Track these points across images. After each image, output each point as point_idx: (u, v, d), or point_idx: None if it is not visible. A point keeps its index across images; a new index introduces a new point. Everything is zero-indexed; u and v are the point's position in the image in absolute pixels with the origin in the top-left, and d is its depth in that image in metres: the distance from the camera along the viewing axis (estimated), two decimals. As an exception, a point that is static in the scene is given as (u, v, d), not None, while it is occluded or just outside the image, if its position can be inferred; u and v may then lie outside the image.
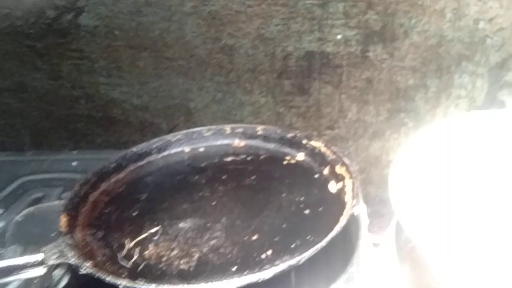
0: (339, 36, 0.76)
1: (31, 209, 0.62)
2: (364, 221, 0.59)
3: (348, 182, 0.56)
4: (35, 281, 0.50)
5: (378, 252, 0.67)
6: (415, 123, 0.81)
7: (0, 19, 0.79)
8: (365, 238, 0.56)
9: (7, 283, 0.51)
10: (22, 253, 0.44)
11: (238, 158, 0.65)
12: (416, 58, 0.76)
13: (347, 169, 0.57)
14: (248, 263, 0.47)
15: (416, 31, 0.74)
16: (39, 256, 0.44)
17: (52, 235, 0.52)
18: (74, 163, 0.75)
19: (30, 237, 0.56)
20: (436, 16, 0.73)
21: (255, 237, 0.50)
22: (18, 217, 0.61)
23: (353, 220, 0.57)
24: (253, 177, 0.61)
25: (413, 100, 0.79)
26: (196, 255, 0.48)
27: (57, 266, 0.50)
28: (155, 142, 0.68)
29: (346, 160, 0.58)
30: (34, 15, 0.79)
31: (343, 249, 0.54)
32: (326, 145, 0.63)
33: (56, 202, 0.65)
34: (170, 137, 0.69)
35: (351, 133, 0.84)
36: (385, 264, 0.61)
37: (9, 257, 0.43)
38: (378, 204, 0.85)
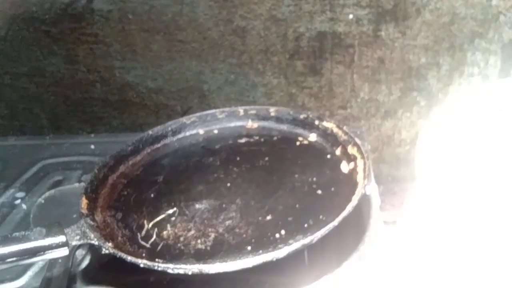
0: (350, 16, 0.76)
1: (52, 191, 0.64)
2: (375, 201, 0.61)
3: (359, 162, 0.57)
4: (59, 261, 0.52)
5: (391, 230, 0.68)
6: (427, 101, 0.81)
7: (16, 5, 0.81)
8: (376, 217, 0.58)
9: (32, 263, 0.53)
10: (46, 235, 0.46)
11: (251, 140, 0.67)
12: (429, 36, 0.76)
13: (359, 149, 0.58)
14: (263, 242, 0.48)
15: (428, 9, 0.74)
16: (62, 238, 0.46)
17: (74, 216, 0.54)
18: (92, 146, 0.77)
19: (52, 219, 0.57)
20: (449, -7, 0.72)
21: (269, 217, 0.52)
22: (40, 199, 0.63)
23: (365, 200, 0.59)
24: (266, 158, 0.62)
25: (425, 79, 0.79)
26: (212, 235, 0.50)
27: (79, 246, 0.53)
28: (170, 125, 0.69)
29: (358, 141, 0.59)
30: (49, 1, 0.80)
31: (355, 228, 0.55)
32: (338, 126, 0.63)
33: (76, 185, 0.67)
34: (185, 119, 0.70)
35: (363, 112, 0.84)
36: (397, 242, 0.62)
37: (34, 239, 0.45)
38: (391, 183, 0.86)
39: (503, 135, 0.59)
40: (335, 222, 0.47)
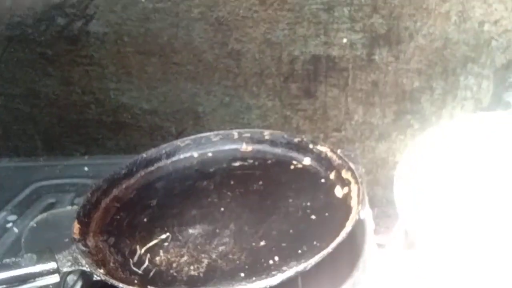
0: (344, 40, 0.76)
1: (44, 215, 0.64)
2: (370, 225, 0.60)
3: (353, 187, 0.57)
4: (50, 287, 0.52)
5: (384, 253, 0.68)
6: (421, 124, 0.81)
7: (12, 27, 0.81)
8: (371, 242, 0.57)
9: (23, 290, 0.53)
10: (37, 261, 0.45)
11: (245, 163, 0.67)
12: (422, 60, 0.77)
13: (353, 174, 0.58)
14: (256, 269, 0.48)
15: (422, 34, 0.75)
16: (53, 264, 0.46)
17: (66, 240, 0.53)
18: (85, 168, 0.77)
19: (44, 243, 0.57)
20: (441, 19, 0.73)
21: (262, 243, 0.52)
22: (32, 223, 0.63)
23: (359, 225, 0.58)
24: (260, 182, 0.62)
25: (419, 102, 0.80)
26: (205, 261, 0.50)
27: (70, 272, 0.52)
28: (165, 148, 0.69)
29: (352, 165, 0.59)
30: (45, 23, 0.80)
31: (349, 253, 0.55)
32: (332, 150, 0.63)
33: (69, 208, 0.67)
34: (179, 142, 0.70)
35: (357, 135, 0.84)
36: (391, 265, 0.62)
37: (25, 265, 0.45)
38: (385, 205, 0.86)
39: (490, 164, 0.60)
40: (329, 249, 0.47)
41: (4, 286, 0.44)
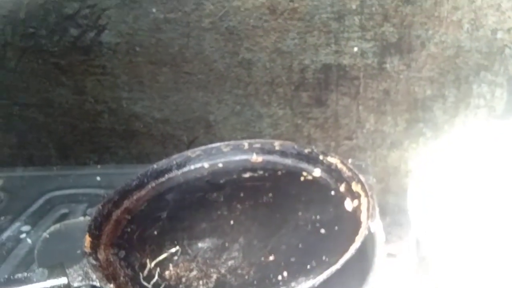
0: (355, 49, 0.76)
1: (57, 225, 0.65)
2: (380, 237, 0.60)
3: (363, 200, 0.57)
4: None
5: (396, 263, 0.68)
6: (433, 133, 0.80)
7: (26, 38, 0.82)
8: (381, 255, 0.57)
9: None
10: (48, 276, 0.46)
11: (256, 174, 0.67)
12: (434, 68, 0.76)
13: (363, 187, 0.58)
14: (265, 285, 0.48)
15: (433, 42, 0.74)
16: (64, 279, 0.46)
17: (78, 252, 0.54)
18: (98, 178, 0.78)
19: (57, 255, 0.58)
20: (453, 27, 0.72)
21: (271, 258, 0.52)
22: (45, 234, 0.63)
23: (369, 238, 0.58)
24: (270, 195, 0.62)
25: (431, 110, 0.79)
26: (214, 276, 0.50)
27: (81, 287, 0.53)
28: (175, 159, 0.70)
29: (362, 178, 0.59)
30: (58, 34, 0.81)
31: (359, 267, 0.54)
32: (342, 161, 0.63)
33: (82, 218, 0.68)
34: (189, 153, 0.70)
35: (369, 143, 0.84)
36: (402, 275, 0.61)
37: (36, 280, 0.45)
38: (397, 214, 0.85)
39: (504, 173, 0.59)
40: (337, 265, 0.46)
41: (16, 301, 0.45)
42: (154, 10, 0.77)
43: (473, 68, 0.75)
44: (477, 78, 0.76)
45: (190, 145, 0.87)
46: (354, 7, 0.73)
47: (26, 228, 0.68)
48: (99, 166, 0.84)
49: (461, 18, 0.72)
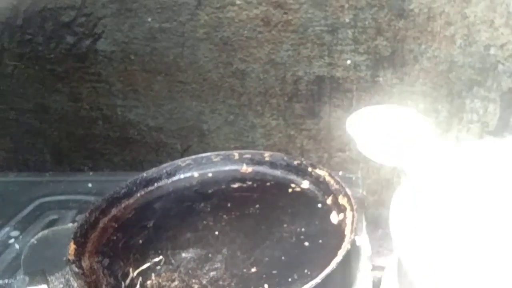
0: (348, 61, 0.76)
1: (45, 232, 0.64)
2: (366, 251, 0.60)
3: (349, 214, 0.57)
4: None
5: (381, 278, 0.67)
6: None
7: (23, 44, 0.83)
8: (365, 269, 0.57)
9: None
10: (29, 284, 0.46)
11: (244, 185, 0.67)
12: (427, 83, 0.76)
13: (349, 201, 0.58)
14: (245, 296, 0.48)
15: (426, 57, 0.74)
16: (44, 287, 0.46)
17: (64, 258, 0.54)
18: (89, 185, 0.78)
19: (43, 261, 0.58)
20: (446, 42, 0.73)
21: (253, 270, 0.51)
22: (33, 240, 0.63)
23: (354, 251, 0.58)
24: (257, 206, 0.62)
25: (424, 125, 0.79)
26: (196, 287, 0.50)
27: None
28: (165, 167, 0.70)
29: (348, 191, 0.59)
30: (55, 41, 0.82)
31: (342, 281, 0.54)
32: (330, 174, 0.63)
33: (70, 225, 0.67)
34: (180, 162, 0.70)
35: (362, 155, 0.83)
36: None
37: (17, 287, 0.46)
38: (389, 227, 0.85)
39: (494, 192, 0.58)
40: (318, 279, 0.46)
41: (-4, 308, 0.45)
42: (149, 19, 0.78)
43: (466, 83, 0.75)
44: (470, 93, 0.76)
45: (184, 153, 0.87)
46: (347, 20, 0.73)
47: (15, 233, 0.68)
48: (91, 173, 0.84)
49: (454, 33, 0.72)
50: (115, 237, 0.59)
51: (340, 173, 0.72)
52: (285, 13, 0.74)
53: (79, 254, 0.54)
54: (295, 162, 0.67)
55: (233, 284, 0.50)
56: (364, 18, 0.73)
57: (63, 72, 0.85)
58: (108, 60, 0.82)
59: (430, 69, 0.75)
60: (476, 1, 0.69)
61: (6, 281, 0.46)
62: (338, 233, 0.56)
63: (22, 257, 0.61)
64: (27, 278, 0.46)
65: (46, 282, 0.47)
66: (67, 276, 0.49)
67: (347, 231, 0.54)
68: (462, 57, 0.73)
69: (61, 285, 0.48)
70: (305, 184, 0.65)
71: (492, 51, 0.72)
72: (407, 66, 0.75)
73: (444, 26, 0.72)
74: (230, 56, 0.79)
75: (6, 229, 0.69)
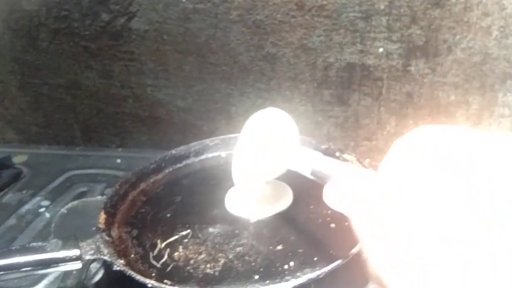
0: (381, 49, 0.76)
1: (75, 202, 0.67)
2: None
3: (376, 198, 0.56)
4: (73, 273, 0.54)
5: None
6: (455, 139, 0.79)
7: (60, 20, 0.85)
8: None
9: (47, 274, 0.55)
10: (62, 247, 0.47)
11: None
12: (459, 74, 0.75)
13: (377, 186, 0.58)
14: (271, 272, 0.49)
15: (460, 48, 0.73)
16: (76, 251, 0.48)
17: (93, 229, 0.56)
18: (118, 160, 0.79)
19: (72, 230, 0.60)
20: (482, 33, 0.72)
21: (279, 247, 0.52)
22: (63, 210, 0.65)
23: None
24: (284, 187, 0.63)
25: (454, 117, 0.78)
26: (222, 261, 0.51)
27: (94, 260, 0.54)
28: (194, 146, 0.71)
29: (377, 177, 0.59)
30: (90, 18, 0.83)
31: (365, 264, 0.54)
32: (358, 160, 0.63)
33: (99, 197, 0.70)
34: (208, 141, 0.71)
35: (388, 145, 0.82)
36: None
37: (50, 250, 0.47)
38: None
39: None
40: (343, 259, 0.47)
41: (29, 268, 0.46)
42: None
43: (499, 76, 0.74)
44: (503, 86, 0.75)
45: (211, 135, 0.88)
46: (382, 7, 0.73)
47: (45, 203, 0.70)
48: (120, 149, 0.86)
49: (490, 24, 0.71)
50: (143, 210, 0.61)
51: (367, 160, 0.72)
52: (320, -2, 0.74)
53: (109, 224, 0.56)
54: (323, 147, 0.68)
55: (259, 260, 0.50)
56: (399, 6, 0.72)
57: (97, 49, 0.86)
58: (141, 39, 0.83)
59: (464, 60, 0.74)
60: (515, -8, 0.68)
61: (40, 243, 0.47)
62: (364, 217, 0.56)
63: (53, 225, 0.63)
64: (60, 242, 0.48)
65: (78, 247, 0.48)
66: (97, 243, 0.50)
67: (374, 215, 0.54)
68: (497, 49, 0.72)
69: (92, 251, 0.49)
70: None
71: (529, 44, 0.71)
72: (440, 56, 0.75)
73: (480, 16, 0.71)
74: (262, 39, 0.79)
75: (37, 198, 0.71)
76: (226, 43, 0.81)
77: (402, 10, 0.73)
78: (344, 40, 0.76)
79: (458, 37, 0.73)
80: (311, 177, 0.46)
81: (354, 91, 0.80)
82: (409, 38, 0.74)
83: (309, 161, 0.46)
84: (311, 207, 0.58)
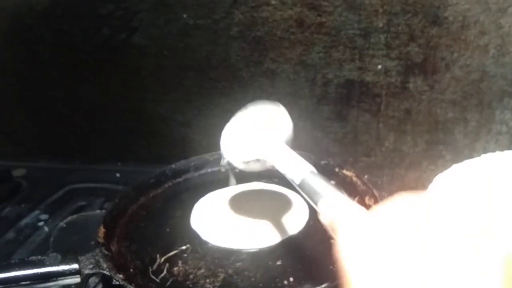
0: (379, 66, 0.77)
1: (74, 216, 0.66)
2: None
3: (375, 214, 0.57)
4: (72, 287, 0.54)
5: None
6: (453, 156, 0.80)
7: (60, 34, 0.85)
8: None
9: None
10: (61, 261, 0.47)
11: (270, 182, 0.67)
12: (457, 91, 0.76)
13: (376, 202, 0.58)
14: (270, 287, 0.49)
15: (458, 65, 0.74)
16: (75, 266, 0.48)
17: (92, 243, 0.55)
18: (117, 175, 0.79)
19: (71, 244, 0.59)
20: (479, 51, 0.73)
21: (279, 262, 0.52)
22: (62, 223, 0.65)
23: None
24: (283, 202, 0.63)
25: (452, 133, 0.79)
26: (221, 276, 0.51)
27: (93, 274, 0.54)
28: (193, 160, 0.71)
29: (376, 192, 0.59)
30: (91, 32, 0.84)
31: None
32: (357, 175, 0.64)
33: (98, 211, 0.69)
34: (208, 156, 0.71)
35: (387, 161, 0.84)
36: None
37: (49, 264, 0.47)
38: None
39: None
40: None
41: (28, 282, 0.46)
42: (184, 15, 0.79)
43: (497, 94, 0.75)
44: (500, 104, 0.76)
45: (209, 149, 0.88)
46: (380, 25, 0.74)
47: (44, 216, 0.70)
48: (119, 163, 0.86)
49: (487, 43, 0.72)
50: (143, 224, 0.61)
51: (366, 176, 0.72)
52: (319, 15, 0.75)
53: (108, 238, 0.55)
54: (322, 162, 0.68)
55: (258, 275, 0.50)
56: (397, 24, 0.73)
57: (97, 63, 0.86)
58: (141, 54, 0.84)
59: (461, 78, 0.75)
60: (512, 12, 0.69)
61: (39, 257, 0.47)
62: (364, 232, 0.56)
63: (51, 239, 0.62)
64: (59, 256, 0.48)
65: (78, 261, 0.48)
66: (97, 257, 0.50)
67: (374, 231, 0.54)
68: (494, 67, 0.73)
69: (91, 265, 0.49)
70: (332, 184, 0.66)
71: (525, 62, 0.72)
72: (438, 73, 0.75)
73: (478, 35, 0.72)
74: (261, 55, 0.80)
75: (36, 212, 0.71)
76: (226, 58, 0.81)
77: (400, 28, 0.73)
78: (343, 57, 0.77)
79: (455, 55, 0.74)
80: (298, 188, 0.45)
81: (353, 107, 0.81)
82: (407, 55, 0.75)
83: (302, 172, 0.45)
84: (311, 223, 0.58)
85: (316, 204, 0.42)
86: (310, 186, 0.43)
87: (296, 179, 0.45)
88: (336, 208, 0.39)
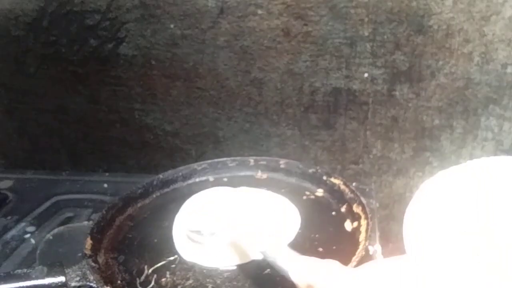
0: (366, 75, 0.77)
1: (61, 228, 0.66)
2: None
3: (363, 222, 0.57)
4: (58, 300, 0.53)
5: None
6: (440, 162, 0.81)
7: (47, 45, 0.85)
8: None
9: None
10: (47, 274, 0.47)
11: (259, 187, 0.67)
12: (443, 99, 0.77)
13: (363, 209, 0.58)
14: (259, 297, 0.48)
15: (443, 73, 0.75)
16: (62, 278, 0.47)
17: (79, 255, 0.55)
18: (105, 185, 0.79)
19: (58, 256, 0.59)
20: (464, 59, 0.74)
21: (267, 271, 0.52)
22: (49, 236, 0.64)
23: (367, 259, 0.58)
24: (271, 211, 0.63)
25: (438, 140, 0.80)
26: (210, 286, 0.50)
27: (79, 286, 0.53)
28: (181, 170, 0.71)
29: (363, 200, 0.59)
30: (78, 43, 0.84)
31: None
32: (345, 183, 0.64)
33: (85, 223, 0.69)
34: (196, 166, 0.71)
35: (375, 169, 0.84)
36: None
37: (35, 277, 0.46)
38: (400, 241, 0.85)
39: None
40: (331, 283, 0.46)
41: (14, 296, 0.46)
42: (172, 26, 0.80)
43: (482, 101, 0.76)
44: (485, 111, 0.76)
45: (198, 159, 0.88)
46: (366, 34, 0.75)
47: (31, 228, 0.69)
48: (107, 174, 0.85)
49: (472, 51, 0.73)
50: (130, 235, 0.60)
51: (354, 184, 0.73)
52: (305, 24, 0.76)
53: (95, 250, 0.55)
54: (310, 170, 0.68)
55: (247, 285, 0.50)
56: (383, 33, 0.74)
57: (84, 74, 0.86)
58: (129, 64, 0.84)
59: (447, 85, 0.76)
60: (495, 20, 0.70)
61: (25, 270, 0.47)
62: (352, 240, 0.56)
63: (38, 251, 0.62)
64: (45, 269, 0.47)
65: (64, 274, 0.48)
66: (83, 269, 0.50)
67: (361, 238, 0.55)
68: (479, 75, 0.74)
69: (78, 278, 0.49)
70: (320, 192, 0.66)
71: (509, 69, 0.73)
72: (423, 81, 0.76)
73: (462, 43, 0.73)
74: (249, 64, 0.80)
75: (23, 224, 0.70)
76: (214, 68, 0.82)
77: (385, 37, 0.74)
78: (330, 66, 0.78)
79: (440, 62, 0.74)
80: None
81: (340, 115, 0.81)
82: (393, 63, 0.76)
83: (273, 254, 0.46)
84: (299, 231, 0.58)
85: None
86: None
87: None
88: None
